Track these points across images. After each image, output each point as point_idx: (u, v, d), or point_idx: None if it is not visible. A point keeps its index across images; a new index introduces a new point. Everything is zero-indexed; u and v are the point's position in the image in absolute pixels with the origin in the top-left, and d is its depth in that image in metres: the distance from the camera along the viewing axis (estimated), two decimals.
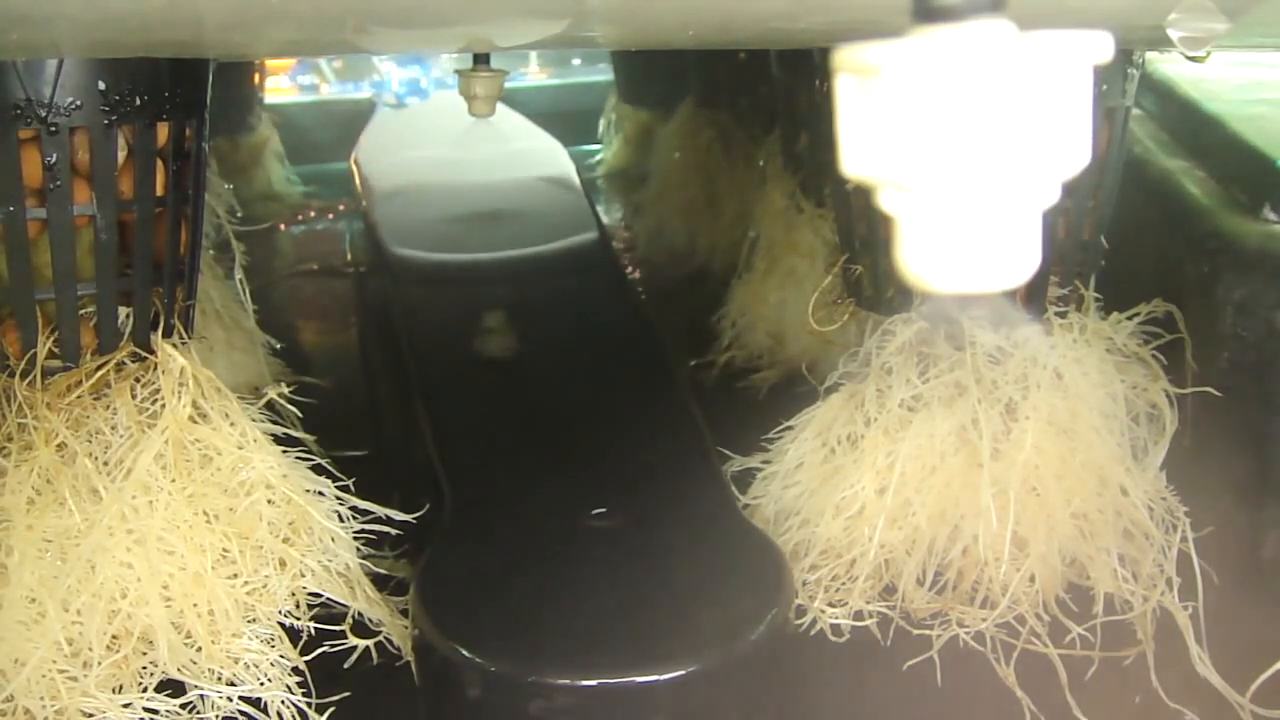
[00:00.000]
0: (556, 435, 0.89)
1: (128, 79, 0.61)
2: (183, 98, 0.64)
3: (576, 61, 2.25)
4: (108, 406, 0.64)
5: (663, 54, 1.48)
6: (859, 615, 0.74)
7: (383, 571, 0.74)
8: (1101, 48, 0.25)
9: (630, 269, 1.52)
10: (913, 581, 0.74)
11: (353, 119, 1.75)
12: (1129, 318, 0.78)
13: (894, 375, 0.76)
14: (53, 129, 0.59)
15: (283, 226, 1.68)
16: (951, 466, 0.73)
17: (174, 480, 0.64)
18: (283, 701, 0.65)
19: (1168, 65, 1.03)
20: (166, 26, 0.52)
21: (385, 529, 0.71)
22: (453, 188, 1.31)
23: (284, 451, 0.70)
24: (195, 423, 0.66)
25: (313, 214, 1.74)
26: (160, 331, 0.67)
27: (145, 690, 0.63)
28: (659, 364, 0.98)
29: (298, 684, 0.66)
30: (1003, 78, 0.24)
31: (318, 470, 0.71)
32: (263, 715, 0.64)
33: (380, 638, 0.71)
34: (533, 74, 2.24)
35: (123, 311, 0.66)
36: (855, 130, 0.27)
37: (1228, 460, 0.80)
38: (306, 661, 0.66)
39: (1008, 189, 0.25)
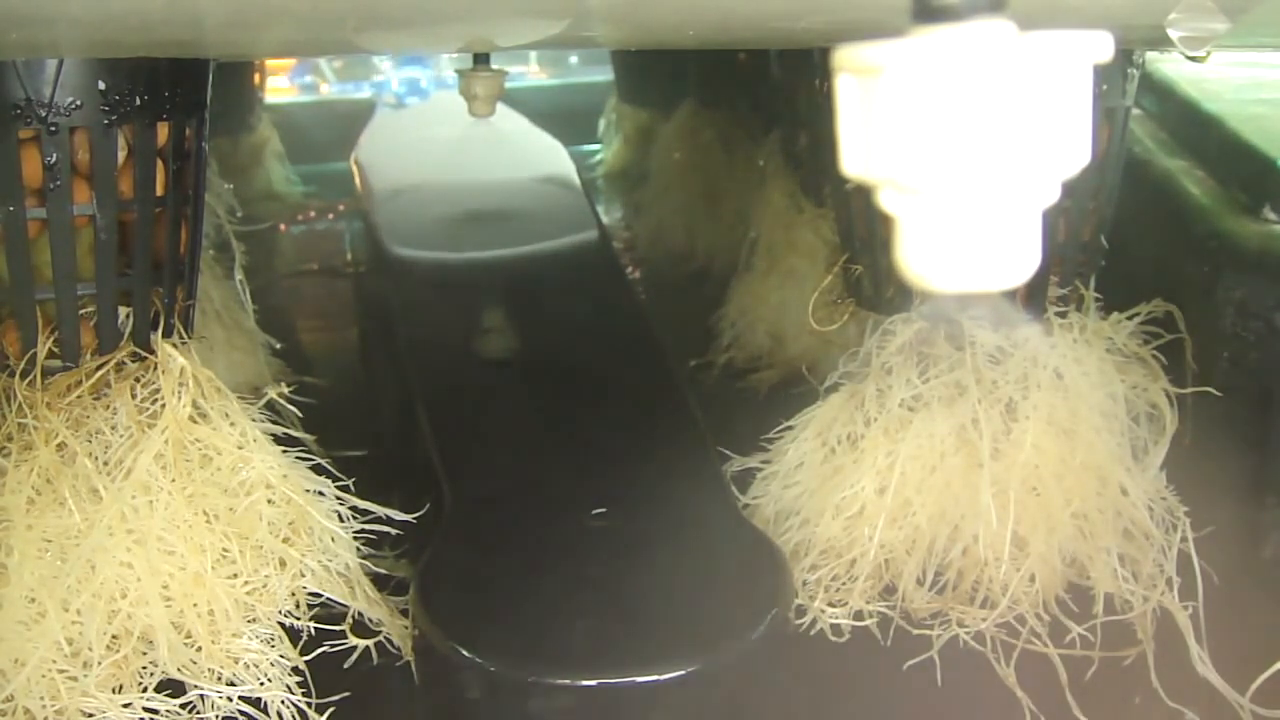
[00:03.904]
0: (556, 435, 0.89)
1: (128, 79, 0.61)
2: (183, 98, 0.64)
3: (576, 61, 2.25)
4: (108, 406, 0.64)
5: (663, 54, 1.48)
6: (859, 615, 0.74)
7: (383, 571, 0.74)
8: (1101, 48, 0.25)
9: (630, 269, 1.52)
10: (913, 581, 0.74)
11: (353, 119, 1.74)
12: (1129, 318, 0.78)
13: (894, 375, 0.76)
14: (53, 129, 0.59)
15: (283, 226, 1.68)
16: (951, 466, 0.73)
17: (174, 480, 0.64)
18: (283, 701, 0.65)
19: (1168, 65, 1.03)
20: (166, 26, 0.52)
21: (385, 529, 0.71)
22: (453, 188, 1.31)
23: (284, 451, 0.70)
24: (195, 423, 0.66)
25: (313, 214, 1.74)
26: (160, 331, 0.67)
27: (145, 690, 0.63)
28: (659, 364, 0.98)
29: (298, 684, 0.66)
30: (1003, 78, 0.24)
31: (318, 470, 0.71)
32: (263, 715, 0.64)
33: (380, 638, 0.71)
34: (533, 74, 2.24)
35: (123, 311, 0.65)
36: (855, 130, 0.27)
37: (1228, 460, 0.80)
38: (306, 661, 0.66)
39: (1008, 189, 0.25)
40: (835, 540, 0.75)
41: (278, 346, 1.09)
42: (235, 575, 0.65)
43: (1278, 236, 0.83)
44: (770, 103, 1.21)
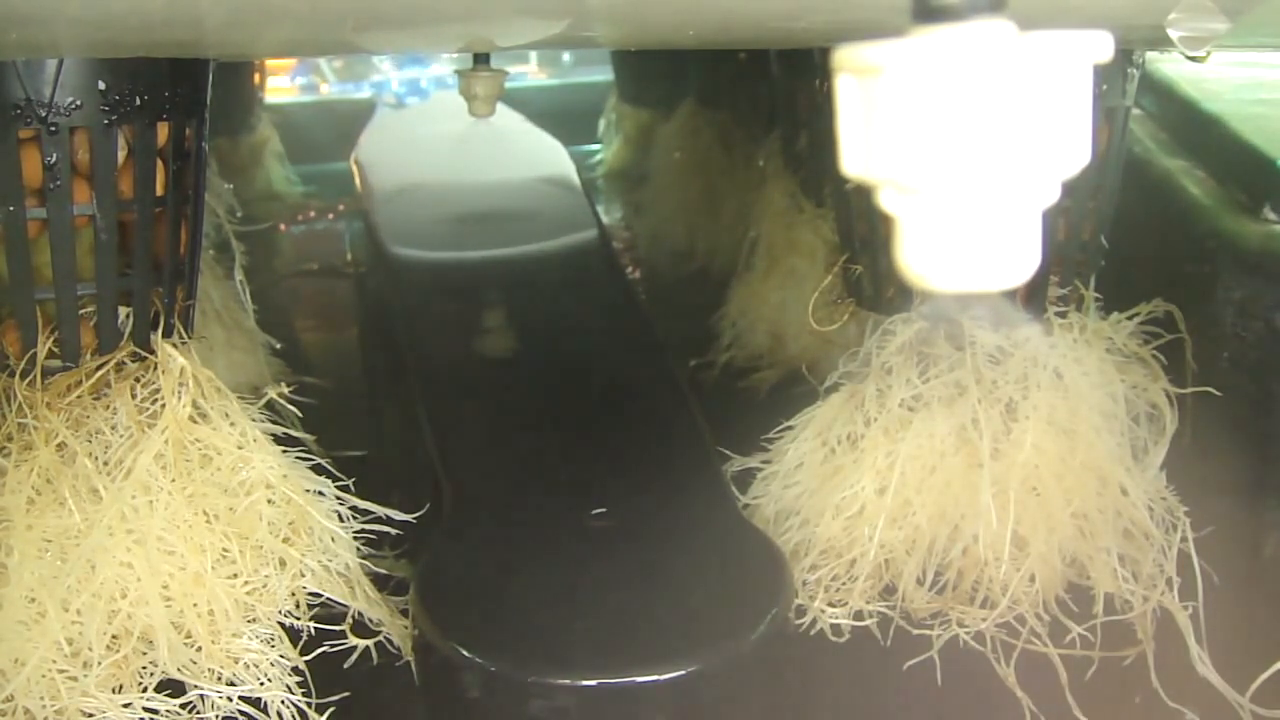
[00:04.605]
0: (556, 435, 0.89)
1: (128, 79, 0.61)
2: (183, 98, 0.64)
3: (576, 61, 2.24)
4: (108, 406, 0.64)
5: (663, 54, 1.48)
6: (859, 615, 0.74)
7: (383, 571, 0.74)
8: (1101, 48, 0.25)
9: (630, 269, 1.52)
10: (913, 581, 0.74)
11: (353, 119, 1.74)
12: (1129, 318, 0.78)
13: (894, 375, 0.76)
14: (53, 129, 0.59)
15: (283, 226, 1.68)
16: (951, 466, 0.73)
17: (174, 480, 0.64)
18: (283, 701, 0.65)
19: (1168, 65, 1.03)
20: (166, 26, 0.52)
21: (385, 529, 0.71)
22: (453, 188, 1.31)
23: (284, 451, 0.70)
24: (195, 423, 0.66)
25: (313, 214, 1.74)
26: (160, 331, 0.67)
27: (145, 690, 0.63)
28: (659, 364, 0.98)
29: (298, 684, 0.66)
30: (1003, 78, 0.24)
31: (318, 470, 0.71)
32: (263, 715, 0.64)
33: (380, 638, 0.71)
34: (533, 74, 2.24)
35: (123, 311, 0.65)
36: (855, 130, 0.27)
37: (1228, 460, 0.80)
38: (306, 661, 0.66)
39: (1008, 189, 0.25)
40: (835, 540, 0.75)
41: (278, 346, 1.09)
42: (235, 575, 0.65)
43: (1278, 236, 0.83)
44: (770, 103, 1.21)
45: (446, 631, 0.68)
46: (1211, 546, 0.74)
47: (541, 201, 1.28)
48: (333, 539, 0.70)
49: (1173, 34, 0.52)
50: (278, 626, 0.66)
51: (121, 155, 0.62)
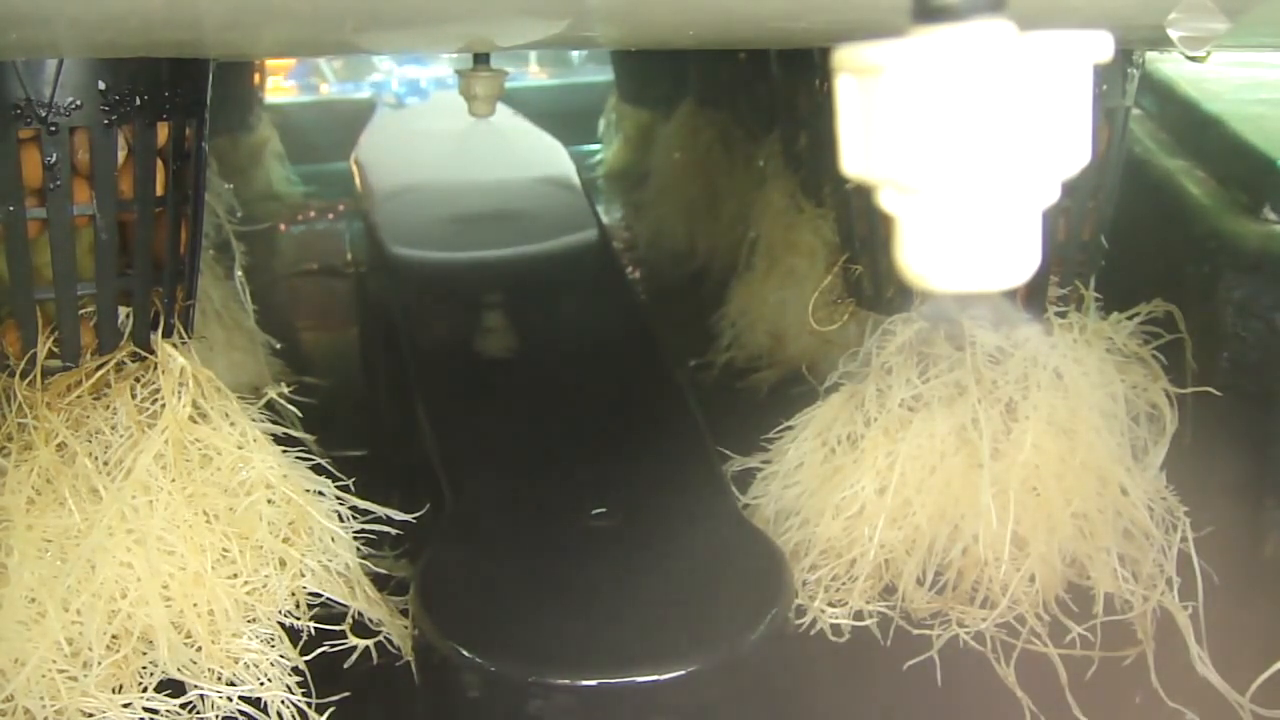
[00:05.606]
0: (556, 435, 0.89)
1: (128, 79, 0.61)
2: (183, 98, 0.64)
3: (576, 61, 2.24)
4: (108, 406, 0.64)
5: (663, 54, 1.48)
6: (859, 615, 0.74)
7: (383, 571, 0.74)
8: (1101, 48, 0.25)
9: (630, 269, 1.52)
10: (913, 581, 0.74)
11: (353, 119, 1.74)
12: (1129, 318, 0.78)
13: (894, 375, 0.76)
14: (53, 129, 0.59)
15: (283, 226, 1.68)
16: (951, 466, 0.73)
17: (174, 480, 0.64)
18: (283, 701, 0.65)
19: (1168, 65, 1.03)
20: (166, 26, 0.52)
21: (385, 529, 0.71)
22: (453, 188, 1.31)
23: (284, 451, 0.70)
24: (195, 423, 0.66)
25: (313, 214, 1.73)
26: (160, 331, 0.67)
27: (145, 690, 0.63)
28: (659, 364, 0.98)
29: (298, 684, 0.66)
30: (1003, 78, 0.24)
31: (318, 470, 0.71)
32: (263, 715, 0.64)
33: (380, 638, 0.71)
34: (533, 74, 2.24)
35: (123, 311, 0.65)
36: (855, 130, 0.27)
37: (1228, 460, 0.80)
38: (306, 661, 0.66)
39: (1008, 189, 0.25)
40: (835, 540, 0.75)
41: (278, 346, 1.09)
42: (235, 575, 0.65)
43: (1278, 236, 0.83)
44: (770, 103, 1.21)
45: (446, 631, 0.68)
46: (1211, 546, 0.74)
47: (541, 201, 1.28)
48: (333, 539, 0.70)
49: (1173, 34, 0.52)
50: (278, 626, 0.66)
51: (121, 155, 0.62)
